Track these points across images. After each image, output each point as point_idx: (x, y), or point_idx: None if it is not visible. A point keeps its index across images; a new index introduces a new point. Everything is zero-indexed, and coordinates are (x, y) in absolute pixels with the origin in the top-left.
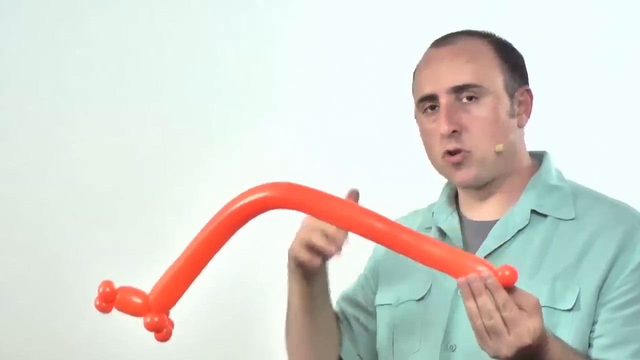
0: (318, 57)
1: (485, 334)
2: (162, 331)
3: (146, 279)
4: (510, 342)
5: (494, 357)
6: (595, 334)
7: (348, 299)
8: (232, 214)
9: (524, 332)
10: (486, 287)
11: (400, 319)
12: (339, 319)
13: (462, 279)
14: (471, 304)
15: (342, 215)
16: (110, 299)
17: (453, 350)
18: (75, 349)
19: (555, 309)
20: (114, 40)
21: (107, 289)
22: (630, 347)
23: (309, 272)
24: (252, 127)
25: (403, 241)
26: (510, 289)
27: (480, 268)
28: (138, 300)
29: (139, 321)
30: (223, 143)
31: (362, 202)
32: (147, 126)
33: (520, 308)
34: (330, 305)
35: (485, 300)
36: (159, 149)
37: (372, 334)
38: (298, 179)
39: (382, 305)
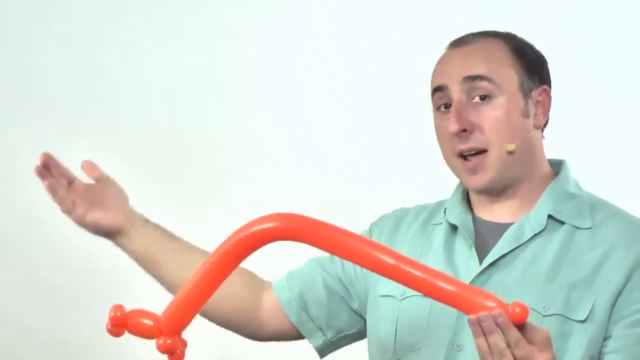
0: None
1: None
2: (175, 353)
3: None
4: None
5: None
6: (607, 349)
7: (322, 264)
8: (240, 242)
9: None
10: (497, 325)
11: (405, 313)
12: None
13: (472, 317)
14: (482, 342)
15: (352, 249)
16: (122, 323)
17: (459, 350)
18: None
19: (569, 318)
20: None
21: (118, 313)
22: None
23: (114, 232)
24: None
25: (413, 276)
26: (520, 324)
27: (491, 304)
28: (149, 323)
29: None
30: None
31: (362, 202)
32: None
33: (531, 343)
34: (189, 250)
35: (496, 338)
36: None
37: (345, 306)
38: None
39: (386, 296)
